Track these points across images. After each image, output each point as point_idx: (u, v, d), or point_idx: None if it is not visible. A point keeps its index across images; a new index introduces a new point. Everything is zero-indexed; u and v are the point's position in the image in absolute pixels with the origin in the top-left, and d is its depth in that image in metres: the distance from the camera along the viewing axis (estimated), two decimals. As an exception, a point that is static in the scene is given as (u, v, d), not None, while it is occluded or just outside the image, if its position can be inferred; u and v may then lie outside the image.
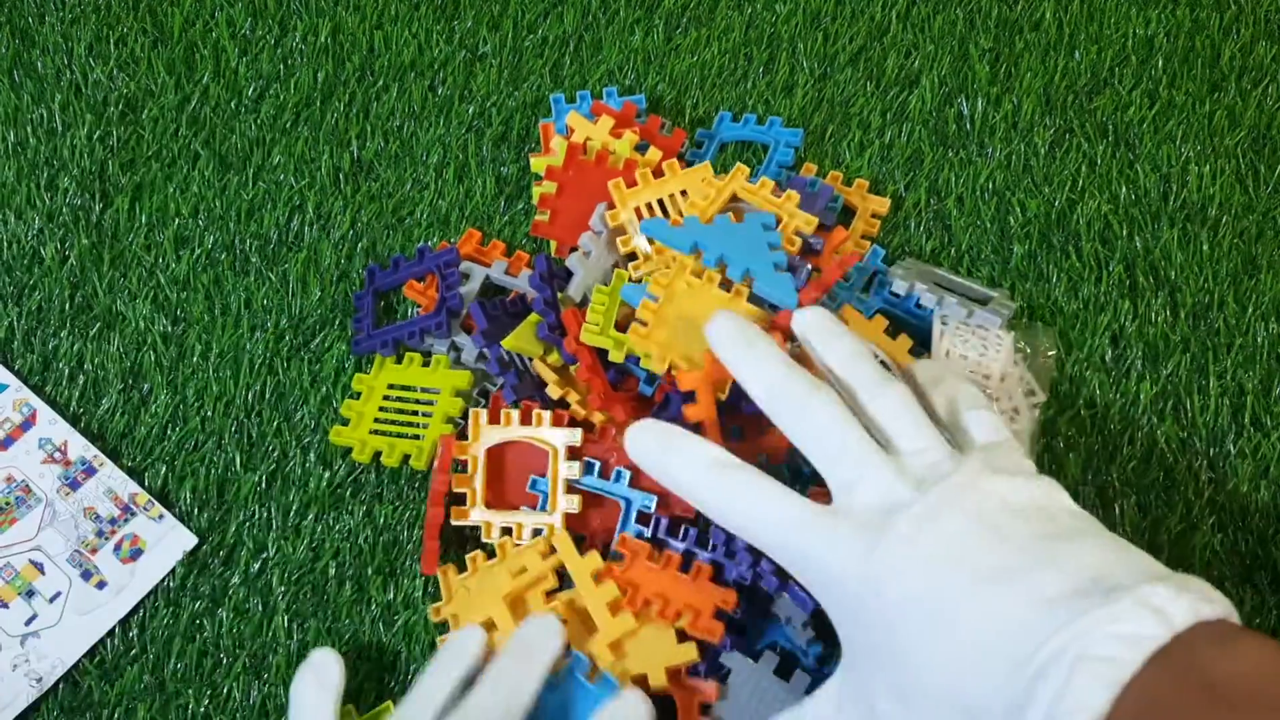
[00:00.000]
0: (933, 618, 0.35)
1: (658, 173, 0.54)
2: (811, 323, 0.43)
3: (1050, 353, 0.53)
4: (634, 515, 0.47)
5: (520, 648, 0.43)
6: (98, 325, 0.56)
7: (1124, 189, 0.60)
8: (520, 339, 0.50)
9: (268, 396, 0.54)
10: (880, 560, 0.36)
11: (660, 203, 0.53)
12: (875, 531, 0.36)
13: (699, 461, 0.41)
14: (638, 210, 0.53)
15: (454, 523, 0.48)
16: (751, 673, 0.45)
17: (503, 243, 0.58)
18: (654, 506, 0.47)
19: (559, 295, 0.51)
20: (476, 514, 0.48)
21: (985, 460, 0.38)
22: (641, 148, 0.56)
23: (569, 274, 0.53)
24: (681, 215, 0.52)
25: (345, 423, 0.52)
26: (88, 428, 0.53)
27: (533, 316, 0.51)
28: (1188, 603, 0.32)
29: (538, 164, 0.59)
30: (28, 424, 0.53)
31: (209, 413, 0.54)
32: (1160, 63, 0.65)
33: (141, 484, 0.52)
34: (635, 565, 0.45)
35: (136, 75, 0.64)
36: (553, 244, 0.57)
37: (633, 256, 0.53)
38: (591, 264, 0.52)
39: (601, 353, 0.49)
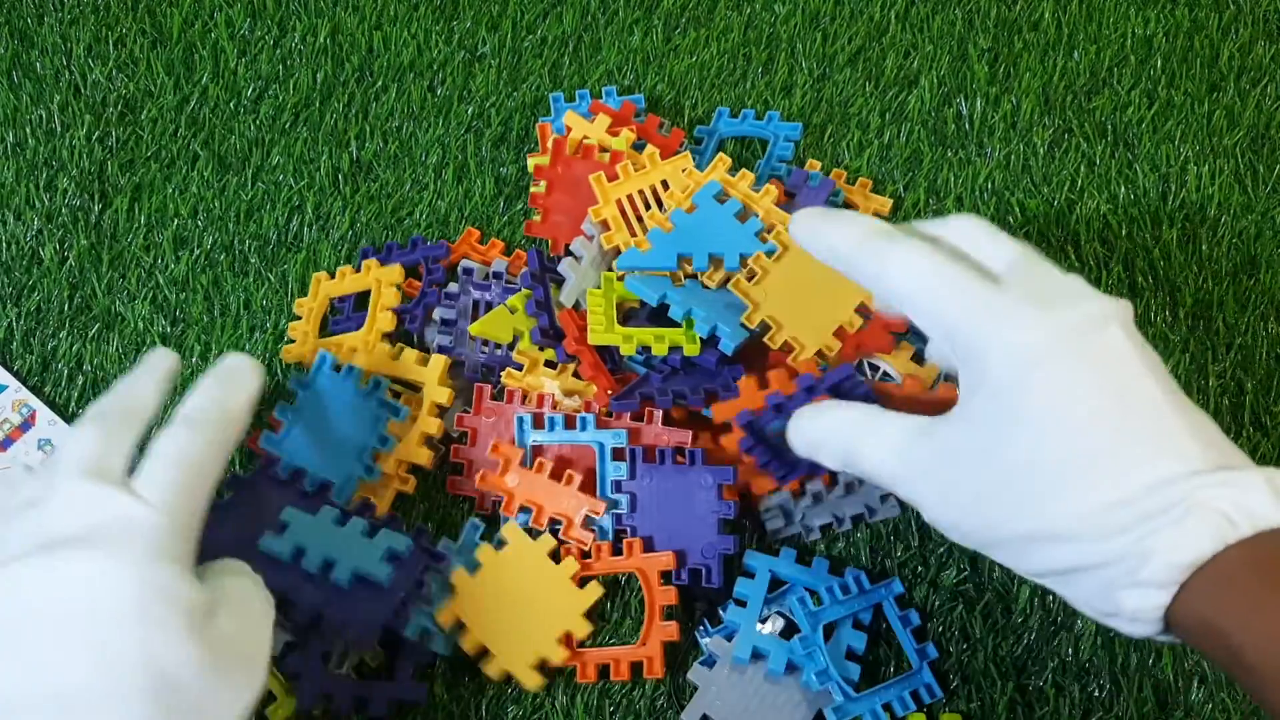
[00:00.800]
0: (1070, 411, 0.34)
1: (639, 166, 0.54)
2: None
3: None
4: (610, 454, 0.48)
5: (221, 373, 0.44)
6: (97, 326, 0.56)
7: (1123, 189, 0.60)
8: (488, 325, 0.51)
9: (267, 397, 0.54)
10: (1042, 332, 0.35)
11: (645, 194, 0.53)
12: (1042, 307, 0.36)
13: (859, 227, 0.39)
14: (620, 203, 0.53)
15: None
16: (732, 663, 0.45)
17: (501, 241, 0.58)
18: (626, 439, 0.47)
19: (553, 297, 0.52)
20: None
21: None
22: (639, 146, 0.56)
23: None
24: (662, 208, 0.52)
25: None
26: (87, 428, 0.53)
27: (505, 304, 0.52)
28: None
29: (535, 161, 0.59)
30: (27, 424, 0.53)
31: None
32: (1159, 63, 0.65)
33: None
34: (508, 471, 0.48)
35: (135, 76, 0.64)
36: (549, 242, 0.57)
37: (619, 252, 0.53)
38: (584, 269, 0.52)
39: (601, 349, 0.49)
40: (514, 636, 0.45)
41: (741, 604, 0.46)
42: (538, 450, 0.49)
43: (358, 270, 0.56)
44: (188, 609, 0.35)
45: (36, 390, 0.54)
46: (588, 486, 0.48)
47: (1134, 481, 0.33)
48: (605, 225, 0.53)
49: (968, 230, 0.39)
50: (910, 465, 0.38)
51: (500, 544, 0.47)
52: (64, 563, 0.35)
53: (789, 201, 0.55)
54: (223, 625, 0.37)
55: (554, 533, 0.48)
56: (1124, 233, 0.58)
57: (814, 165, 0.59)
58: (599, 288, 0.51)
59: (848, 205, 0.59)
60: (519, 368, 0.51)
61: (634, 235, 0.52)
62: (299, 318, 0.56)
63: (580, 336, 0.49)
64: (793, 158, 0.61)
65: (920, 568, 0.49)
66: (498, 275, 0.54)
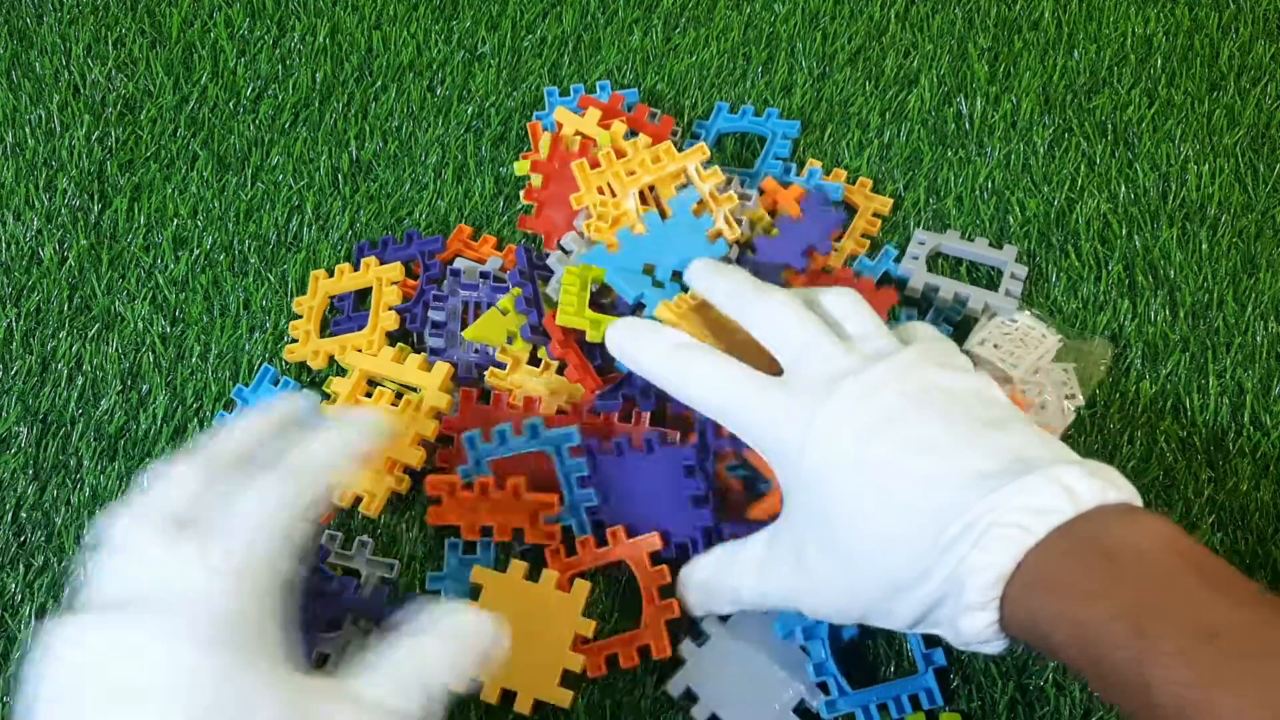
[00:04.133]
0: (864, 481, 0.37)
1: (619, 153, 0.54)
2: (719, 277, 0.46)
3: (1102, 362, 0.53)
4: (566, 453, 0.47)
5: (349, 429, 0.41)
6: (96, 326, 0.56)
7: (1123, 188, 0.60)
8: (481, 330, 0.50)
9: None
10: (823, 422, 0.38)
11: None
12: (820, 395, 0.39)
13: (663, 345, 0.43)
14: (600, 190, 0.53)
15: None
16: (724, 636, 0.46)
17: (494, 237, 0.58)
18: (578, 436, 0.47)
19: (541, 294, 0.51)
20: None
21: (927, 351, 0.41)
22: (631, 136, 0.57)
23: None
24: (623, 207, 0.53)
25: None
26: (86, 428, 0.53)
27: (496, 306, 0.51)
28: (1096, 485, 0.35)
29: (523, 166, 0.59)
30: None
31: (208, 414, 0.53)
32: (1159, 62, 0.65)
33: (140, 484, 0.52)
34: (454, 500, 0.47)
35: (135, 76, 0.64)
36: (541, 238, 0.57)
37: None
38: (572, 263, 0.52)
39: (589, 349, 0.49)
40: (529, 666, 0.44)
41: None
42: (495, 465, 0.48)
43: (356, 268, 0.56)
44: (240, 706, 0.32)
45: (37, 391, 0.54)
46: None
47: (937, 520, 0.36)
48: (588, 213, 0.53)
49: (837, 303, 0.44)
50: (771, 581, 0.42)
51: (477, 592, 0.46)
52: (126, 628, 0.33)
53: (799, 219, 0.55)
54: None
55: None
56: (1124, 232, 0.58)
57: (815, 163, 0.59)
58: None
59: (848, 205, 0.59)
60: (503, 367, 0.51)
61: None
62: (299, 316, 0.56)
63: (565, 339, 0.49)
64: (790, 156, 0.60)
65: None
66: (485, 275, 0.54)
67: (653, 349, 0.44)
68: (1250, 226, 0.59)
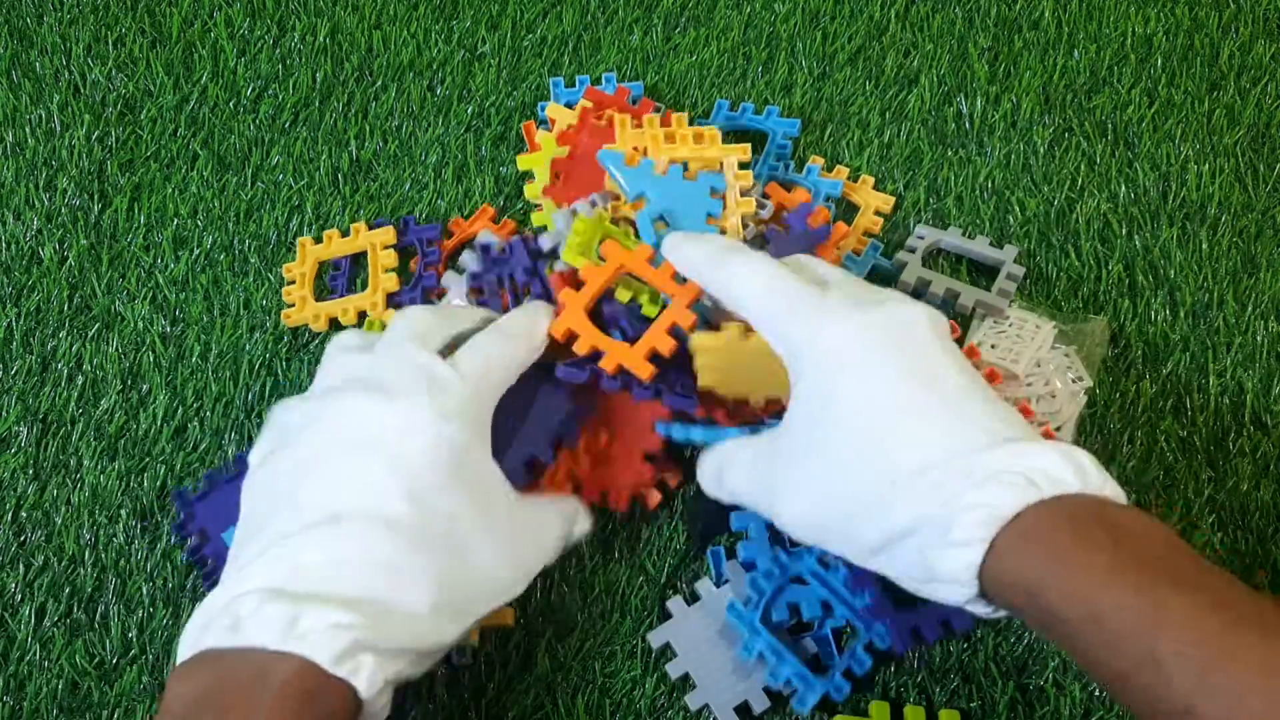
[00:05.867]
0: (871, 389, 0.38)
1: (669, 137, 0.54)
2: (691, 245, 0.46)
3: (1101, 342, 0.53)
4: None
5: (530, 308, 0.47)
6: (96, 326, 0.56)
7: (1123, 188, 0.60)
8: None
9: (267, 397, 0.54)
10: (846, 325, 0.39)
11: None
12: (848, 310, 0.40)
13: (711, 245, 0.45)
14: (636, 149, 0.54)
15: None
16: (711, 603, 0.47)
17: (492, 207, 0.58)
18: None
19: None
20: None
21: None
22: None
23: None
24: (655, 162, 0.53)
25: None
26: (86, 428, 0.53)
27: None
28: (1106, 474, 0.35)
29: (524, 161, 0.59)
30: None
31: (208, 413, 0.53)
32: (1159, 61, 0.65)
33: (140, 485, 0.52)
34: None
35: (135, 76, 0.64)
36: (538, 219, 0.57)
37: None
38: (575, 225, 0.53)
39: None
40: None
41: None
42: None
43: (345, 235, 0.57)
44: (476, 471, 0.41)
45: (37, 390, 0.54)
46: None
47: (938, 449, 0.36)
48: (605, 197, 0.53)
49: (805, 259, 0.45)
50: (755, 479, 0.42)
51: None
52: (379, 401, 0.40)
53: (786, 231, 0.54)
54: (507, 513, 0.42)
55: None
56: (1124, 231, 0.58)
57: (816, 160, 0.59)
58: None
59: (849, 203, 0.59)
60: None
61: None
62: (291, 282, 0.56)
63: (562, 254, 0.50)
64: (791, 154, 0.61)
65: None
66: (485, 248, 0.53)
67: (702, 247, 0.45)
68: (1250, 226, 0.59)
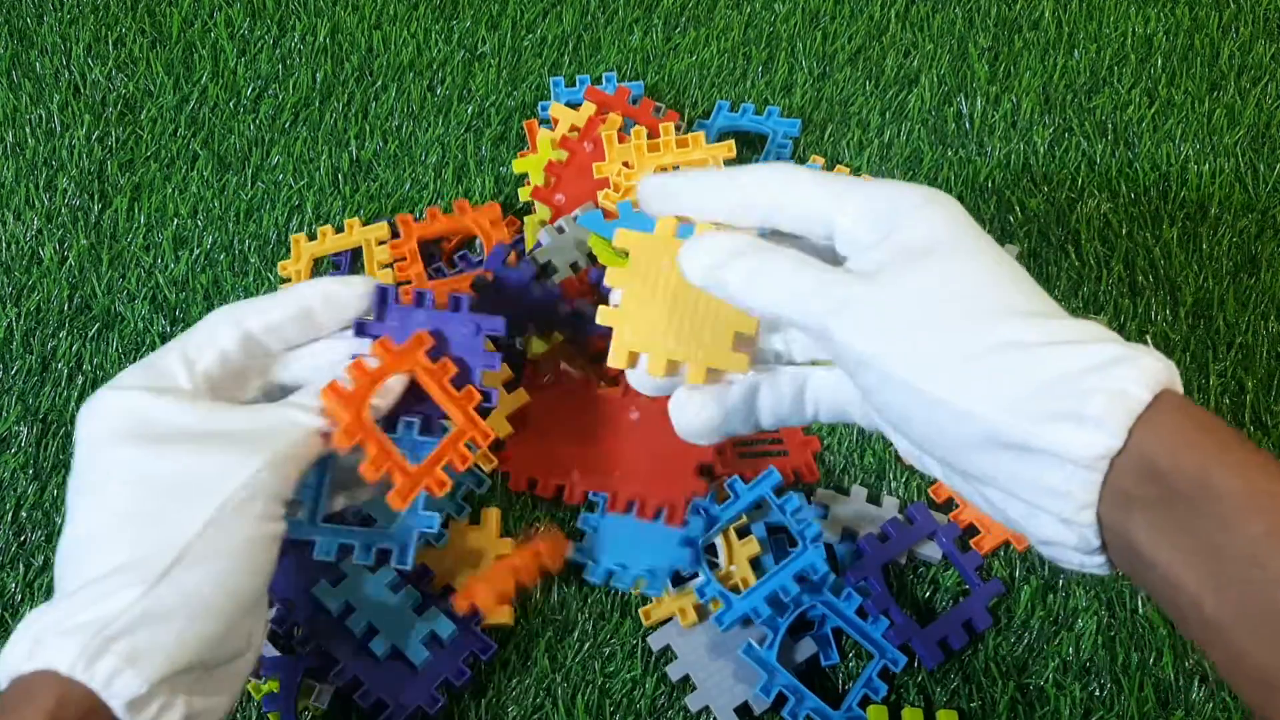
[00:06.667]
0: (981, 251, 0.33)
1: (681, 143, 0.55)
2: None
3: None
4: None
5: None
6: (96, 326, 0.56)
7: (1123, 187, 0.60)
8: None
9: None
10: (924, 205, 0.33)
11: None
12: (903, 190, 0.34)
13: (722, 249, 0.35)
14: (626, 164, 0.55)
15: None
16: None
17: (468, 203, 0.58)
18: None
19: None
20: None
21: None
22: (628, 128, 0.57)
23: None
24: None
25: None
26: (87, 428, 0.53)
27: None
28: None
29: (519, 164, 0.59)
30: None
31: (208, 413, 0.53)
32: (1159, 61, 0.65)
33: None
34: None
35: (135, 76, 0.64)
36: (531, 223, 0.57)
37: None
38: (563, 240, 0.53)
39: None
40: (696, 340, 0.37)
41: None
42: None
43: (339, 232, 0.57)
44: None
45: (37, 390, 0.54)
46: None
47: (1055, 325, 0.31)
48: (605, 183, 0.54)
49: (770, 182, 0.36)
50: (834, 284, 0.33)
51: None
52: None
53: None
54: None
55: None
56: (1124, 231, 0.58)
57: (817, 159, 0.59)
58: (573, 259, 0.53)
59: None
60: None
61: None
62: (287, 279, 0.56)
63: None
64: (791, 154, 0.61)
65: (922, 568, 0.49)
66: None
67: (711, 253, 0.35)
68: (1251, 226, 0.59)
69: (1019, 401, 0.29)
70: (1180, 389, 0.30)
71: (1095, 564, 0.31)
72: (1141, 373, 0.29)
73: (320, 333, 0.42)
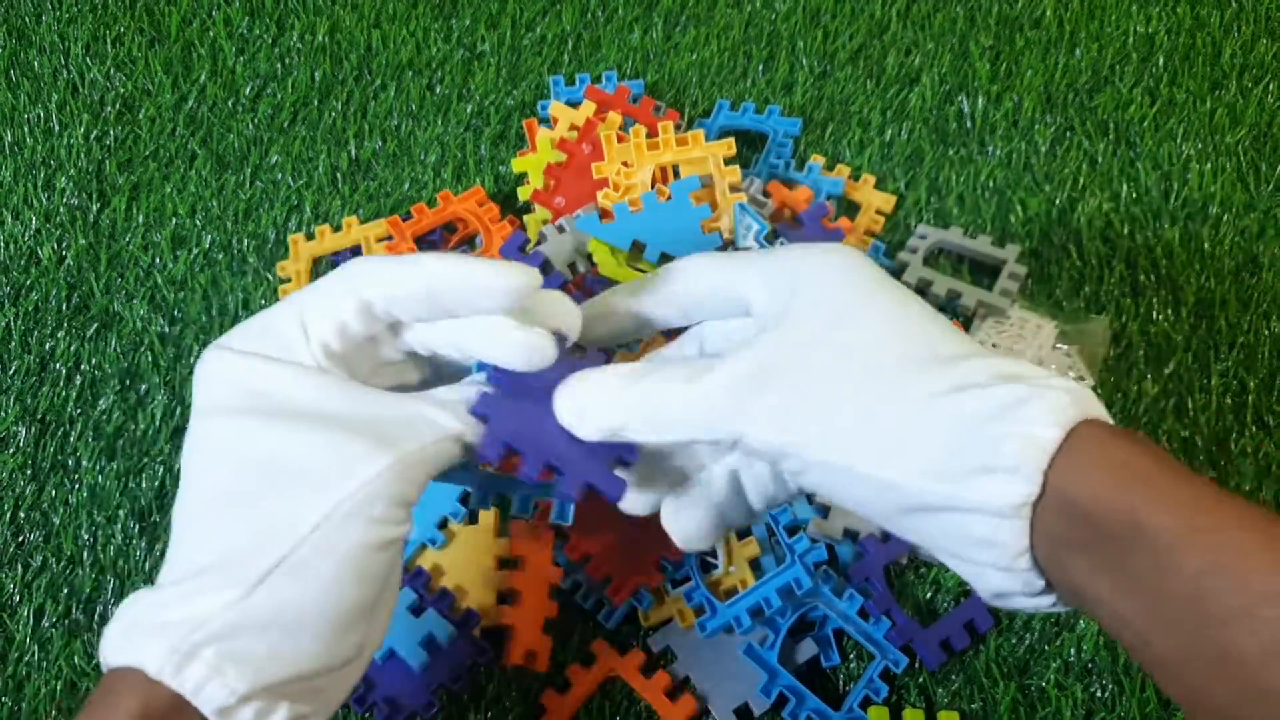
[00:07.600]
0: (887, 314, 0.32)
1: (681, 141, 0.55)
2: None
3: (1103, 342, 0.53)
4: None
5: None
6: (95, 325, 0.56)
7: (1125, 187, 0.60)
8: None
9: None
10: (830, 256, 0.34)
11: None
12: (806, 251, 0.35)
13: (609, 388, 0.34)
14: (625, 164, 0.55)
15: None
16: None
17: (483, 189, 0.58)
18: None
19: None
20: None
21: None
22: (627, 127, 0.57)
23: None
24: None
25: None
26: (84, 428, 0.53)
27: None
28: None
29: (519, 164, 0.59)
30: None
31: (207, 413, 0.53)
32: (1161, 60, 0.65)
33: (139, 485, 0.52)
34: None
35: (134, 75, 0.64)
36: (533, 221, 0.57)
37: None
38: (562, 239, 0.53)
39: None
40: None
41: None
42: None
43: (337, 230, 0.57)
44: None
45: (35, 390, 0.54)
46: None
47: (960, 369, 0.30)
48: (605, 183, 0.55)
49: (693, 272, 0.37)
50: (727, 396, 0.33)
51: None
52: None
53: (798, 228, 0.55)
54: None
55: None
56: (1126, 231, 0.58)
57: (817, 158, 0.59)
58: (571, 260, 0.53)
59: (850, 203, 0.59)
60: None
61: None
62: (287, 280, 0.56)
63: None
64: (792, 153, 0.60)
65: (923, 568, 0.49)
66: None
67: (610, 388, 0.34)
68: (1253, 225, 0.58)
69: (935, 463, 0.30)
70: (1099, 414, 0.29)
71: (1047, 604, 0.31)
72: (1049, 411, 0.29)
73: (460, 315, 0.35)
